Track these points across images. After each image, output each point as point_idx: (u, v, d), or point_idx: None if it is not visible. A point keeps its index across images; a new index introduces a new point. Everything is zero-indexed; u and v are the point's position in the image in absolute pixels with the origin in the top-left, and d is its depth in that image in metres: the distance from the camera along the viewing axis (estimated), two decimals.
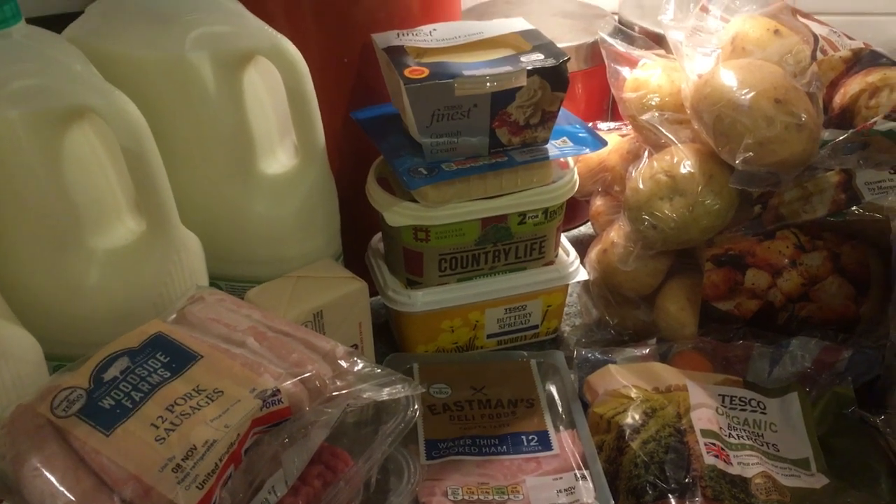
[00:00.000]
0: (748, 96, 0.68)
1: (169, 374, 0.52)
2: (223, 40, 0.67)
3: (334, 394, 0.55)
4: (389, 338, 0.87)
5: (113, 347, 0.53)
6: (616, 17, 1.02)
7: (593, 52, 0.94)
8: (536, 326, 0.85)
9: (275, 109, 0.74)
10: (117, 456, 0.47)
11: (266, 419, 0.51)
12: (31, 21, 0.60)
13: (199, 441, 0.47)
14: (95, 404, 0.50)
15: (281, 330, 0.58)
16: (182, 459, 0.47)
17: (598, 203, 0.91)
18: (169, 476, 0.46)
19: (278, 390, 0.51)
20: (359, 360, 0.58)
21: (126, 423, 0.49)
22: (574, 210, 0.97)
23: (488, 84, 0.70)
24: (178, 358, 0.53)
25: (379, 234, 0.87)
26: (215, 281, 0.75)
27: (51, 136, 0.60)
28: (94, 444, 0.48)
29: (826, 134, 0.70)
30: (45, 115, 0.59)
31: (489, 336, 0.84)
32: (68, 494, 0.46)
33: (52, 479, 0.47)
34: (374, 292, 0.79)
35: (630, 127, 0.87)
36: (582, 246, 0.88)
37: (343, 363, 0.57)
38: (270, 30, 0.68)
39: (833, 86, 0.74)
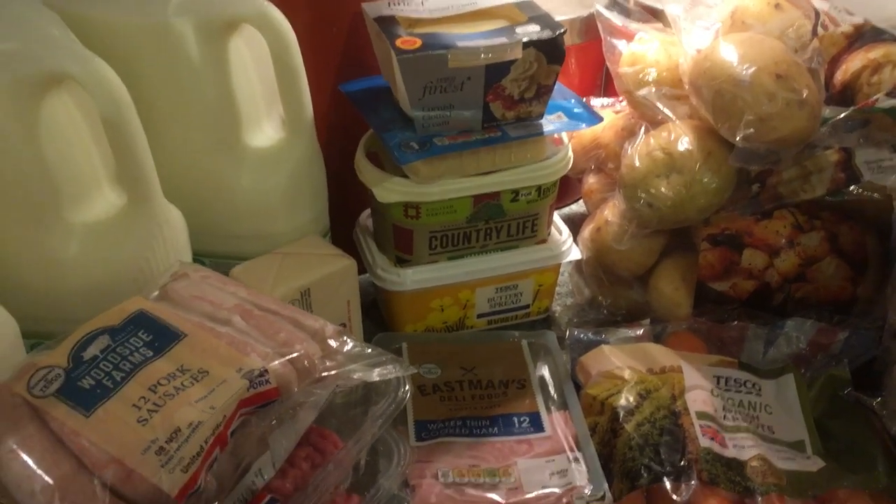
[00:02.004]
0: (749, 71, 0.66)
1: (151, 354, 0.50)
2: (208, 6, 0.65)
3: (323, 374, 0.53)
4: (378, 317, 0.85)
5: (92, 325, 0.51)
6: None
7: (587, 26, 0.92)
8: (527, 306, 0.84)
9: (261, 80, 0.72)
10: (98, 438, 0.45)
11: (253, 400, 0.49)
12: None
13: (183, 423, 0.46)
14: (74, 384, 0.48)
15: (268, 308, 0.56)
16: (166, 442, 0.45)
17: (591, 181, 0.89)
18: (152, 459, 0.44)
19: (266, 370, 0.49)
20: (348, 340, 0.56)
21: (107, 403, 0.47)
22: (566, 187, 0.96)
23: (483, 56, 0.68)
24: (161, 336, 0.51)
25: (367, 211, 0.85)
26: (199, 257, 0.72)
27: (27, 104, 0.57)
28: (74, 426, 0.46)
29: (827, 111, 0.69)
30: (20, 81, 0.56)
31: (479, 315, 0.83)
32: (46, 477, 0.44)
33: (30, 461, 0.45)
34: (362, 270, 0.77)
35: (625, 103, 0.85)
36: (574, 224, 0.87)
37: (332, 343, 0.55)
38: None
39: (834, 62, 0.72)
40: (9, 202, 0.58)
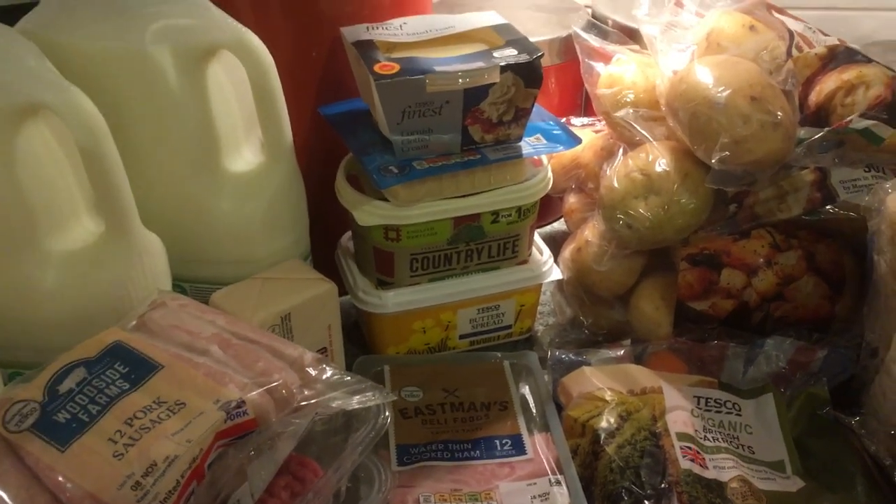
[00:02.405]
0: (724, 94, 0.67)
1: (128, 386, 0.49)
2: (185, 33, 0.65)
3: (302, 403, 0.53)
4: (360, 339, 0.85)
5: (68, 357, 0.51)
6: (589, 11, 1.01)
7: (566, 47, 0.93)
8: (510, 326, 0.84)
9: (240, 105, 0.72)
10: (73, 473, 0.45)
11: (230, 431, 0.49)
12: None
13: (159, 456, 0.45)
14: (50, 418, 0.47)
15: (246, 337, 0.56)
16: (142, 476, 0.45)
17: (571, 200, 0.90)
18: (128, 494, 0.44)
19: (243, 401, 0.49)
20: (328, 368, 0.56)
21: (82, 437, 0.46)
22: (547, 206, 0.96)
23: (460, 80, 0.69)
24: (138, 368, 0.51)
25: (348, 233, 0.85)
26: (179, 283, 0.72)
27: (3, 134, 0.57)
28: (49, 461, 0.45)
29: (802, 132, 0.70)
30: None
31: (461, 336, 0.83)
32: None
33: (6, 496, 0.45)
34: (343, 292, 0.77)
35: (604, 123, 0.85)
36: (555, 243, 0.87)
37: (311, 371, 0.55)
38: (235, 23, 0.66)
39: (808, 83, 0.73)
40: None
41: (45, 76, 0.58)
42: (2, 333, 0.59)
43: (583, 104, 1.01)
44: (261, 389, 0.51)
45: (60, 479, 0.45)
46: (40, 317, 0.60)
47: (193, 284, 0.73)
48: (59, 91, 0.57)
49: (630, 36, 0.87)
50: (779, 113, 0.67)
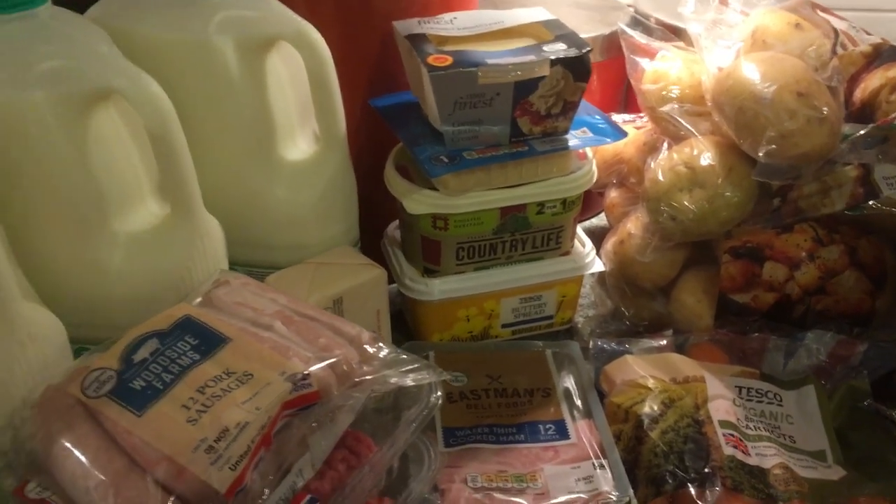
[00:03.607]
0: (771, 89, 0.68)
1: (198, 357, 0.52)
2: (248, 25, 0.67)
3: (361, 379, 0.55)
4: (404, 326, 0.87)
5: (142, 329, 0.53)
6: (632, 9, 1.02)
7: (609, 44, 0.94)
8: (551, 317, 0.85)
9: (295, 96, 0.74)
10: (150, 436, 0.47)
11: (295, 402, 0.51)
12: (54, 2, 0.60)
13: (231, 423, 0.48)
14: (126, 385, 0.50)
15: (307, 314, 0.58)
16: (215, 441, 0.47)
17: (612, 195, 0.91)
18: (202, 457, 0.46)
19: (308, 374, 0.51)
20: (384, 346, 0.58)
21: (157, 404, 0.49)
22: (588, 201, 0.97)
23: (511, 73, 0.70)
24: (207, 341, 0.53)
25: (395, 222, 0.87)
26: (234, 266, 0.74)
27: (76, 118, 0.59)
28: (126, 425, 0.48)
29: (846, 128, 0.71)
30: (71, 97, 0.58)
31: (504, 325, 0.84)
32: (100, 475, 0.46)
33: (84, 459, 0.47)
34: (389, 280, 0.79)
35: (646, 119, 0.87)
36: (594, 237, 0.88)
37: (369, 348, 0.57)
38: (295, 15, 0.68)
39: (853, 80, 0.74)
40: (58, 212, 0.60)
41: (118, 63, 0.60)
42: (72, 310, 0.61)
43: (623, 101, 1.02)
44: (323, 363, 0.53)
45: (137, 441, 0.47)
46: (108, 295, 0.63)
47: (247, 268, 0.76)
48: (132, 77, 0.59)
49: (674, 33, 0.88)
50: (825, 108, 0.68)
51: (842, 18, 0.78)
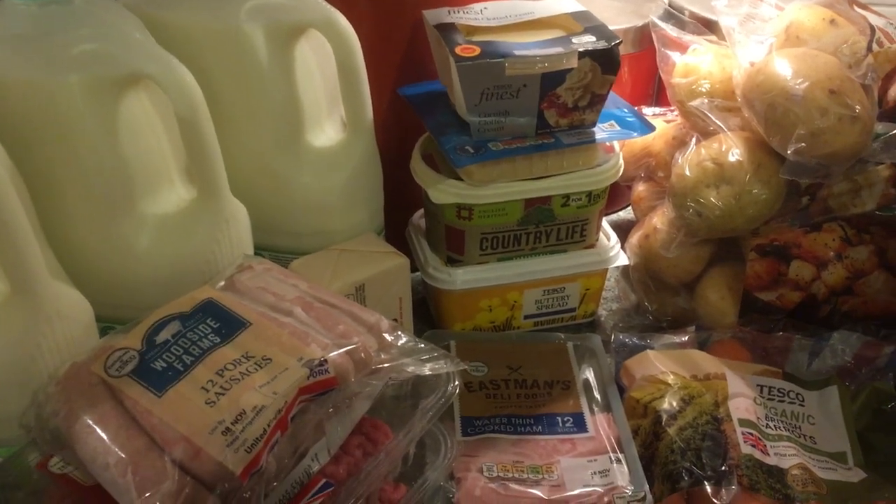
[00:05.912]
0: (802, 86, 0.67)
1: (219, 340, 0.52)
2: (278, 12, 0.68)
3: (378, 366, 0.56)
4: (426, 314, 0.87)
5: (165, 311, 0.54)
6: (666, 1, 1.01)
7: (641, 36, 0.93)
8: (574, 309, 0.85)
9: (324, 83, 0.75)
10: (169, 417, 0.48)
11: (312, 388, 0.51)
12: None
13: (248, 406, 0.48)
14: (148, 366, 0.51)
15: (327, 301, 0.59)
16: (231, 423, 0.47)
17: (640, 189, 0.90)
18: (219, 438, 0.47)
19: (325, 360, 0.52)
20: (402, 335, 0.59)
21: (177, 385, 0.49)
22: (615, 194, 0.97)
23: (539, 65, 0.70)
24: (228, 324, 0.54)
25: (420, 211, 0.87)
26: (259, 251, 0.75)
27: (108, 102, 0.60)
28: (147, 405, 0.49)
29: (879, 127, 0.70)
30: (103, 80, 0.59)
31: (526, 317, 0.84)
32: (120, 452, 0.47)
33: (105, 436, 0.48)
34: (412, 269, 0.79)
35: (676, 113, 0.86)
36: (620, 230, 0.88)
37: (387, 336, 0.58)
38: (324, 3, 0.69)
39: (888, 78, 0.73)
40: (88, 193, 0.62)
41: (150, 48, 0.61)
42: (99, 290, 0.63)
43: (655, 94, 1.01)
44: (341, 350, 0.53)
45: (157, 421, 0.48)
46: (134, 276, 0.64)
47: (272, 253, 0.77)
48: (163, 63, 0.60)
49: (707, 26, 0.87)
50: (857, 107, 0.67)
51: (880, 15, 0.77)
